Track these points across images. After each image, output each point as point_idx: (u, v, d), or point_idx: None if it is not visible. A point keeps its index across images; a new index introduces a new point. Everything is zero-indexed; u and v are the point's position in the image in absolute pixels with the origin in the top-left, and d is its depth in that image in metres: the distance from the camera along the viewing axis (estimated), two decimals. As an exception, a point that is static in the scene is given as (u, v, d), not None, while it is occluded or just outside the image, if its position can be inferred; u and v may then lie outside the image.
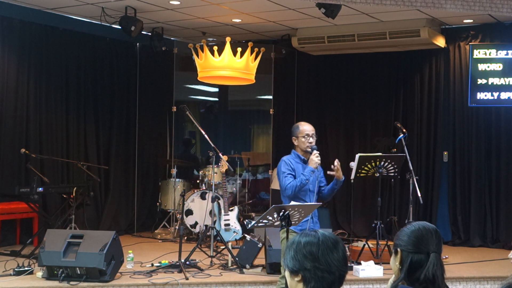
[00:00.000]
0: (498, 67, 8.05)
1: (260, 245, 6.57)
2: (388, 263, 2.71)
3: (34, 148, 7.83)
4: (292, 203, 4.63)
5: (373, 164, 6.67)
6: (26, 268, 5.91)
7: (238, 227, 7.76)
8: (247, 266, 6.47)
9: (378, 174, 6.71)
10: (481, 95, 8.12)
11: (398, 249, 2.43)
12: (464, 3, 6.96)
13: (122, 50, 9.22)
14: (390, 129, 8.81)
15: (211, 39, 9.27)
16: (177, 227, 8.44)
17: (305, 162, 5.02)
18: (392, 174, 6.85)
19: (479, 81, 8.10)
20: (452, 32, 8.54)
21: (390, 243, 6.64)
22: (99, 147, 8.90)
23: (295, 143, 5.09)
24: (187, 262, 6.44)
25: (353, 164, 6.58)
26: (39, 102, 8.04)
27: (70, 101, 8.49)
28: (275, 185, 8.73)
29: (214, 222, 7.16)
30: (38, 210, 7.46)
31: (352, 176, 6.64)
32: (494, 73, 8.05)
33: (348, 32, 8.30)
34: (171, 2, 7.44)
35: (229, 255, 6.60)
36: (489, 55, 8.08)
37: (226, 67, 7.58)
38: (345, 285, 2.78)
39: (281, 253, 5.04)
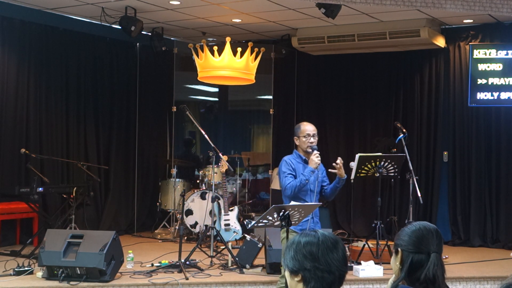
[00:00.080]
0: (498, 67, 8.05)
1: (260, 245, 6.57)
2: (388, 263, 2.72)
3: (34, 148, 7.83)
4: (292, 203, 4.63)
5: (373, 164, 6.67)
6: (26, 268, 5.91)
7: (238, 227, 7.76)
8: (247, 266, 6.47)
9: (378, 174, 6.71)
10: (481, 95, 8.12)
11: (399, 249, 2.43)
12: (464, 3, 6.96)
13: (122, 50, 9.22)
14: (390, 129, 8.81)
15: (211, 39, 9.27)
16: (177, 227, 8.44)
17: (306, 162, 5.01)
18: (392, 174, 6.85)
19: (479, 81, 8.10)
20: (452, 32, 8.54)
21: (390, 243, 6.65)
22: (99, 147, 8.90)
23: (297, 142, 5.10)
24: (187, 262, 6.44)
25: (353, 164, 6.58)
26: (39, 102, 8.04)
27: (70, 101, 8.49)
28: (275, 185, 8.74)
29: (214, 222, 7.16)
30: (38, 210, 7.45)
31: (352, 176, 6.64)
32: (494, 73, 8.05)
33: (348, 32, 8.30)
34: (171, 2, 7.44)
35: (229, 255, 6.60)
36: (489, 55, 8.08)
37: (226, 67, 7.58)
38: (345, 285, 2.78)
39: (282, 252, 5.04)
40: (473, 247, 8.25)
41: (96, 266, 5.61)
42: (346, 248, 6.51)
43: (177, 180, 8.94)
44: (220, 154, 7.05)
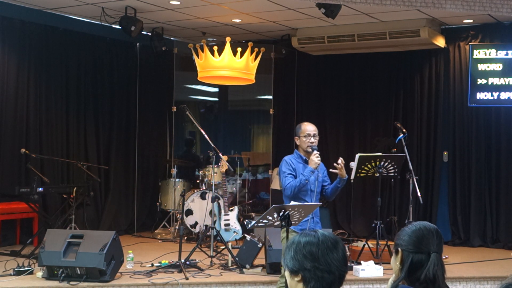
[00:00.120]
0: (498, 67, 8.05)
1: (260, 245, 6.57)
2: (388, 263, 2.72)
3: (34, 148, 7.83)
4: (292, 203, 4.63)
5: (373, 164, 6.67)
6: (26, 268, 5.91)
7: (238, 227, 7.76)
8: (247, 266, 6.47)
9: (378, 174, 6.71)
10: (481, 95, 8.12)
11: (399, 249, 2.43)
12: (464, 3, 6.96)
13: (122, 50, 9.22)
14: (390, 129, 8.81)
15: (211, 39, 9.27)
16: (177, 227, 8.44)
17: (306, 162, 5.02)
18: (392, 174, 6.85)
19: (479, 81, 8.10)
20: (452, 32, 8.54)
21: (390, 243, 6.64)
22: (99, 147, 8.90)
23: (297, 142, 5.10)
24: (187, 262, 6.44)
25: (353, 164, 6.58)
26: (39, 102, 8.04)
27: (70, 101, 8.49)
28: (275, 185, 8.74)
29: (214, 222, 7.16)
30: (38, 210, 7.45)
31: (352, 176, 6.64)
32: (494, 73, 8.05)
33: (348, 32, 8.30)
34: (171, 2, 7.44)
35: (229, 255, 6.60)
36: (489, 55, 8.08)
37: (226, 67, 7.58)
38: (345, 285, 2.78)
39: (282, 252, 5.04)
40: (473, 247, 8.25)
41: (96, 266, 5.61)
42: (346, 248, 6.51)
43: (177, 180, 8.94)
44: (220, 154, 7.04)
